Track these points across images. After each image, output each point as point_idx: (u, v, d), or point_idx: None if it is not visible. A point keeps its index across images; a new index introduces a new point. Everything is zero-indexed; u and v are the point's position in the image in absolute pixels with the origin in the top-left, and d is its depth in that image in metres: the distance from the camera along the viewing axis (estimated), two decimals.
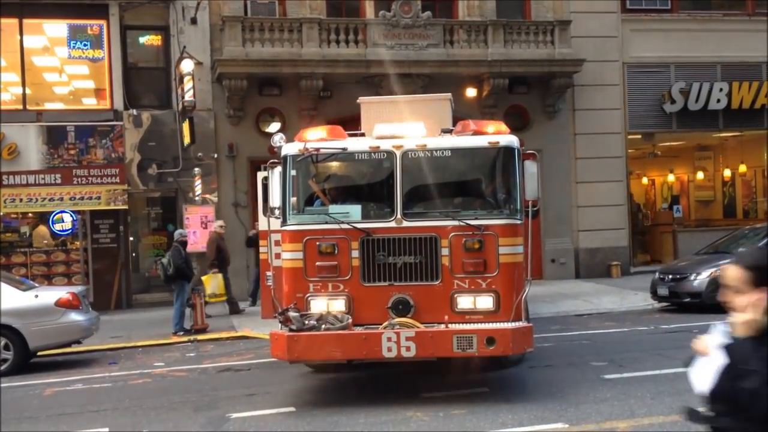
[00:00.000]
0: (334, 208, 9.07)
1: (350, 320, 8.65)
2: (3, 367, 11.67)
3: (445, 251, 8.71)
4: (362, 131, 10.17)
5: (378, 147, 9.01)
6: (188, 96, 17.13)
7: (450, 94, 11.29)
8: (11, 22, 18.33)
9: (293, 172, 9.11)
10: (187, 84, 17.25)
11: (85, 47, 18.75)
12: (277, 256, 9.49)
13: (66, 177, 17.96)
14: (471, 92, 19.61)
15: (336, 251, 8.82)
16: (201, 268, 16.68)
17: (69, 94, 20.12)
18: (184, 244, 15.29)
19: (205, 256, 16.86)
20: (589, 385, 9.19)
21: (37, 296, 12.34)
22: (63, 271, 18.44)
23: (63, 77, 19.89)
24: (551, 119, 20.60)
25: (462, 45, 19.19)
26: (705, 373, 2.98)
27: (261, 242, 12.82)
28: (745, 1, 21.99)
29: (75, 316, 12.25)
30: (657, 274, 15.96)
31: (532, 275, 9.77)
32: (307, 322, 8.60)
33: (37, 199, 17.82)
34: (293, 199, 9.12)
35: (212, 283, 15.85)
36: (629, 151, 21.65)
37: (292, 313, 8.65)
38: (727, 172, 25.24)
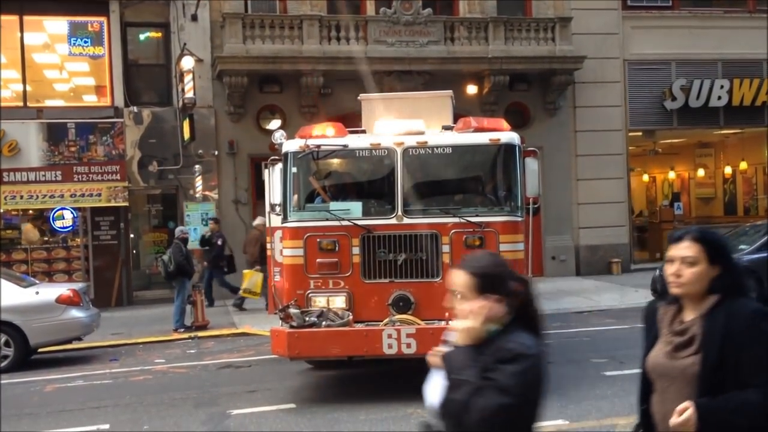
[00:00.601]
0: (334, 205, 9.08)
1: (351, 317, 8.66)
2: (3, 364, 11.68)
3: (445, 248, 8.70)
4: (363, 128, 10.16)
5: (379, 144, 9.00)
6: (189, 93, 17.13)
7: (451, 91, 11.24)
8: (11, 19, 18.28)
9: (294, 169, 9.11)
10: (188, 81, 17.26)
11: (86, 44, 18.69)
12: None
13: (66, 174, 17.93)
14: (472, 89, 19.57)
15: (337, 248, 8.82)
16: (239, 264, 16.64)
17: (69, 91, 20.08)
18: (185, 241, 15.29)
19: (246, 256, 16.59)
20: (589, 382, 9.20)
21: (37, 293, 12.34)
22: (63, 268, 18.40)
23: (63, 74, 19.83)
24: (552, 116, 20.57)
25: (463, 42, 19.15)
26: (436, 385, 2.87)
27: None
28: None
29: (76, 313, 12.26)
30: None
31: (533, 272, 9.78)
32: (307, 318, 8.60)
33: (37, 196, 17.80)
34: (294, 196, 9.13)
35: (252, 279, 15.54)
36: (630, 148, 21.59)
37: (292, 310, 8.66)
38: (728, 170, 25.24)
